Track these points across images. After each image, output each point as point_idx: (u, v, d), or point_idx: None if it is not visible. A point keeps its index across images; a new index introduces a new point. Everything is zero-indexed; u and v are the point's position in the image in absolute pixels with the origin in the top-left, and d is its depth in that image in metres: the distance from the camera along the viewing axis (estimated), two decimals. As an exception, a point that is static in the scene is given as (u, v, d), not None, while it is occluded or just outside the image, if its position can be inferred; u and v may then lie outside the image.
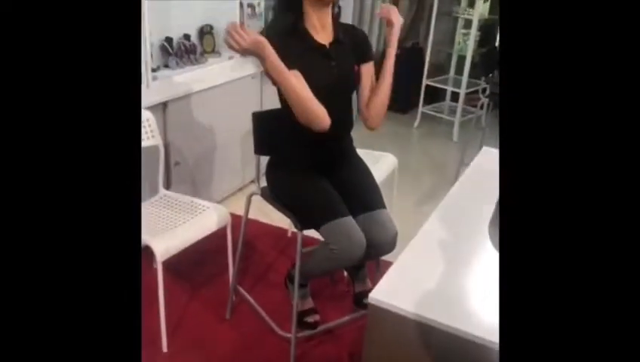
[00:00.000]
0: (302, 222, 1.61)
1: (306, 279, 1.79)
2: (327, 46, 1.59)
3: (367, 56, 1.71)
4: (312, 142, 1.60)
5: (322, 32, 1.59)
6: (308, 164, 1.65)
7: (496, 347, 0.95)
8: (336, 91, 1.59)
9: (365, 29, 4.02)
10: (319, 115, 1.50)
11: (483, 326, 1.01)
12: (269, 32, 1.60)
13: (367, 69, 1.71)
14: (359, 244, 1.51)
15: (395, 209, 2.50)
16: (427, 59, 4.01)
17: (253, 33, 1.42)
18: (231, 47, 1.41)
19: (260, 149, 1.81)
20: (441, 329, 1.03)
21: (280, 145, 1.71)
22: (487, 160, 1.79)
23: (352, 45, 1.66)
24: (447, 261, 1.22)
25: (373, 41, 4.22)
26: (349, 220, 1.54)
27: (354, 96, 1.71)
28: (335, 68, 1.59)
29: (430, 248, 1.28)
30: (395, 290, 1.11)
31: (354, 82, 1.68)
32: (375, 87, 1.69)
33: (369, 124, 1.69)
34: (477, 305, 1.09)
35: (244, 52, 1.44)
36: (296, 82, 1.48)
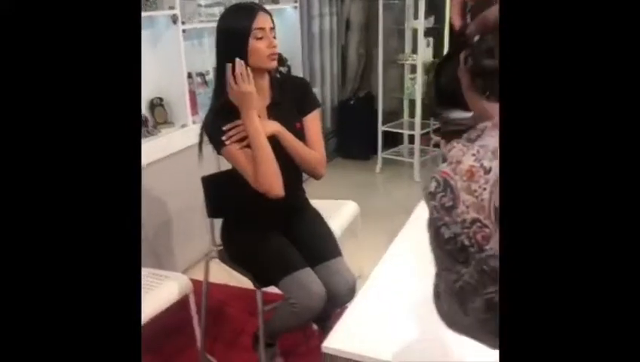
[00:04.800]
0: (260, 280, 1.60)
1: (273, 338, 1.76)
2: (265, 110, 1.62)
3: (309, 106, 1.69)
4: (263, 199, 1.62)
5: (259, 97, 1.62)
6: (260, 222, 1.66)
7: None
8: (279, 154, 1.57)
9: (317, 84, 4.15)
10: (277, 183, 1.53)
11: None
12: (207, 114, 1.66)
13: (311, 120, 1.68)
14: (318, 295, 1.51)
15: (363, 255, 2.50)
16: (380, 106, 4.13)
17: (250, 86, 1.51)
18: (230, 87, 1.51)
19: (212, 212, 1.82)
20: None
21: (232, 206, 1.72)
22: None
23: (294, 101, 1.67)
24: (402, 299, 1.22)
25: (327, 94, 4.35)
26: (306, 272, 1.54)
27: None
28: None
29: (385, 288, 1.28)
30: (348, 336, 1.10)
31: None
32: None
33: (311, 176, 1.70)
34: (434, 341, 1.08)
35: (236, 95, 1.52)
36: (268, 144, 1.51)
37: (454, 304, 0.58)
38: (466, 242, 0.51)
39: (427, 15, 3.81)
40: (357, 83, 4.69)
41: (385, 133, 4.18)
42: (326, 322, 1.85)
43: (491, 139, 0.51)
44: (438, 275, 0.60)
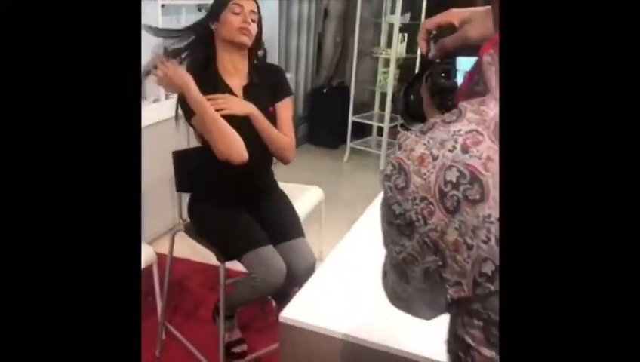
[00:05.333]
0: (224, 254, 1.66)
1: (232, 310, 1.83)
2: (242, 90, 1.68)
3: (282, 92, 1.75)
4: (232, 177, 1.68)
5: (236, 76, 1.69)
6: (228, 198, 1.72)
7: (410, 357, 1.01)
8: (250, 136, 1.63)
9: (292, 69, 4.19)
10: (237, 148, 1.58)
11: (399, 339, 1.05)
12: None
13: (283, 106, 1.74)
14: (279, 272, 1.58)
15: (324, 239, 2.59)
16: (352, 96, 4.22)
17: (178, 67, 1.57)
18: (159, 79, 1.57)
19: (181, 186, 1.86)
20: (351, 341, 1.09)
21: (201, 181, 1.77)
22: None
23: (269, 85, 1.73)
24: (359, 277, 1.30)
25: (300, 80, 4.40)
26: (269, 249, 1.61)
27: None
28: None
29: (343, 266, 1.36)
30: (305, 308, 1.18)
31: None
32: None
33: (280, 160, 1.76)
34: (390, 317, 1.14)
35: (168, 84, 1.57)
36: (217, 115, 1.56)
37: (396, 275, 0.67)
38: (414, 217, 0.59)
39: (404, 11, 3.89)
40: (331, 72, 4.76)
41: (354, 123, 4.27)
42: (284, 299, 1.93)
43: (439, 133, 0.59)
44: (385, 254, 0.67)
